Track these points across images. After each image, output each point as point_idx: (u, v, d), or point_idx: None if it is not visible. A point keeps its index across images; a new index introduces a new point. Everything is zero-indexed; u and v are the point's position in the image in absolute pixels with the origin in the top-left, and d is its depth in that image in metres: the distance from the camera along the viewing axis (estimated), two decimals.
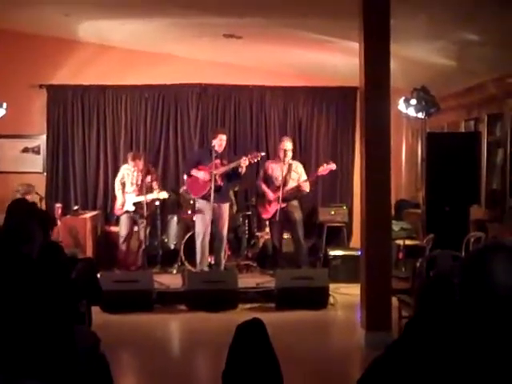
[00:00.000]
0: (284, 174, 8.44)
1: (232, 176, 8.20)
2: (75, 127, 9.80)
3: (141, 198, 8.38)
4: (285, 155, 8.42)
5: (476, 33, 6.89)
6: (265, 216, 8.64)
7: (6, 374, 1.89)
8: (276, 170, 8.50)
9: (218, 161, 8.03)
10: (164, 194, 8.61)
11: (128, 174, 8.71)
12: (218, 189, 7.99)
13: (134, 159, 8.62)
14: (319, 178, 8.91)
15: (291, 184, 8.47)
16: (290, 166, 8.53)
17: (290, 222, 8.48)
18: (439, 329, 1.76)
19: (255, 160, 8.19)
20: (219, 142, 8.13)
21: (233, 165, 8.07)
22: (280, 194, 8.29)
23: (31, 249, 3.04)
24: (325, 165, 8.55)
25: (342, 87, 9.88)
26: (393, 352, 1.89)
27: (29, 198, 7.71)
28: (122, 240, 8.60)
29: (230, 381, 2.45)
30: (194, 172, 8.17)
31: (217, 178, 7.99)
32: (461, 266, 1.78)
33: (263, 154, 8.47)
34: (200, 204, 8.19)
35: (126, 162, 8.98)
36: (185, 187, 8.64)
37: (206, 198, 8.05)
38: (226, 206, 8.22)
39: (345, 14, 6.39)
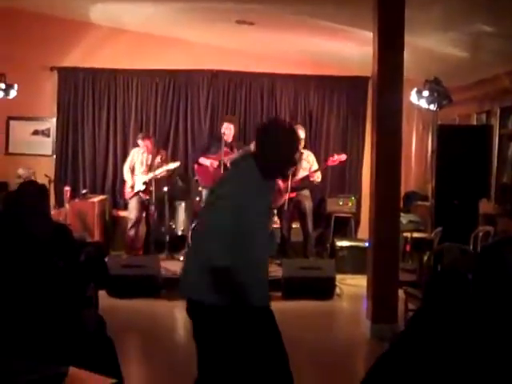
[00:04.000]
0: None
1: None
2: (85, 110, 9.80)
3: (151, 175, 8.40)
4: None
5: (490, 24, 6.83)
6: (273, 205, 8.62)
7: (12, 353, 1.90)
8: None
9: (226, 149, 7.99)
10: (174, 164, 8.57)
11: (138, 156, 8.70)
12: None
13: (143, 139, 8.61)
14: (328, 167, 8.86)
15: (302, 173, 8.43)
16: (301, 154, 8.49)
17: (300, 212, 8.47)
18: (451, 322, 1.75)
19: None
20: (224, 131, 8.09)
21: (242, 151, 8.04)
22: (289, 183, 8.28)
23: (36, 224, 3.01)
24: (335, 155, 8.53)
25: (353, 77, 9.82)
26: (400, 346, 1.87)
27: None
28: (130, 225, 8.61)
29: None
30: (202, 160, 8.15)
31: (227, 165, 7.97)
32: (475, 260, 1.76)
33: None
34: (206, 193, 8.18)
35: (135, 145, 8.98)
36: (196, 177, 8.62)
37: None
38: None
39: (359, 3, 6.34)
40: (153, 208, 8.54)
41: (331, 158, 8.50)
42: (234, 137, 8.25)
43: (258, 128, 3.26)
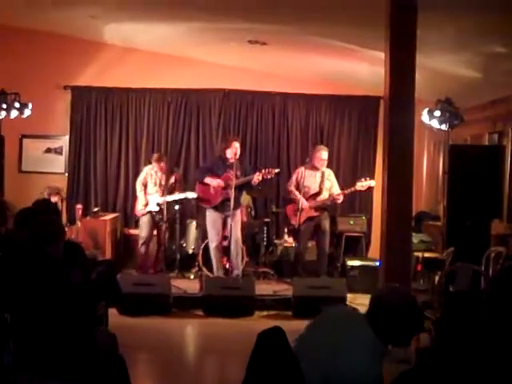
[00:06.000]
0: (318, 182, 8.44)
1: (244, 187, 8.21)
2: (98, 129, 9.85)
3: (166, 198, 8.42)
4: (322, 165, 8.43)
5: (502, 45, 6.84)
6: (294, 222, 8.57)
7: (29, 372, 1.90)
8: (309, 177, 8.44)
9: (231, 172, 7.99)
10: (193, 194, 8.58)
11: (151, 174, 8.73)
12: (227, 199, 7.98)
13: (158, 161, 8.65)
14: (356, 192, 8.80)
15: (325, 193, 8.44)
16: (322, 173, 8.50)
17: (319, 231, 8.47)
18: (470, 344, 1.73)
19: (269, 176, 8.16)
20: (234, 151, 8.09)
21: (245, 179, 8.07)
22: (310, 202, 8.31)
23: (56, 249, 3.06)
24: (362, 180, 8.46)
25: (364, 96, 9.84)
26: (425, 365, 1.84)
27: (52, 198, 7.76)
28: (141, 242, 8.62)
29: None
30: (209, 180, 8.14)
31: (229, 189, 7.97)
32: (490, 281, 1.75)
33: (277, 170, 8.44)
34: (210, 213, 8.19)
35: (148, 163, 9.02)
36: (195, 195, 8.62)
37: (216, 207, 8.06)
38: (237, 213, 8.19)
39: (371, 23, 6.37)
40: (164, 226, 8.56)
41: (359, 184, 8.40)
42: (239, 157, 8.26)
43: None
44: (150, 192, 8.68)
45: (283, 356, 2.40)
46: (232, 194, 7.86)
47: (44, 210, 3.36)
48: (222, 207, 8.05)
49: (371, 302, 2.72)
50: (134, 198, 9.03)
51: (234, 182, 7.90)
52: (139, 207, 8.74)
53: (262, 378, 2.37)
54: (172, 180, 8.60)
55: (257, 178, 7.97)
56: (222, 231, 8.14)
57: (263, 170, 8.12)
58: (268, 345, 2.45)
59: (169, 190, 8.53)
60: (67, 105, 9.81)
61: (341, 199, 8.53)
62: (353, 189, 8.50)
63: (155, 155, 8.84)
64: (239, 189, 8.16)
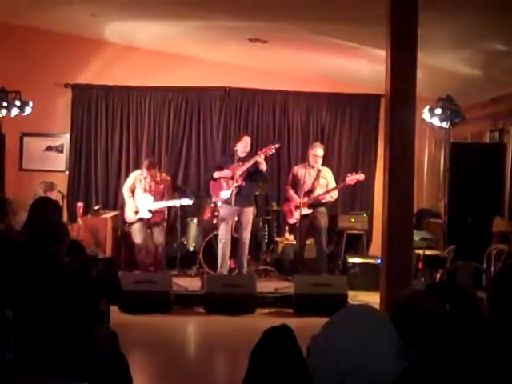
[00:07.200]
0: (312, 180, 8.44)
1: (253, 175, 8.19)
2: (99, 127, 9.85)
3: (157, 205, 8.38)
4: (315, 161, 8.43)
5: (503, 43, 6.84)
6: (290, 220, 8.62)
7: (30, 369, 1.91)
8: (306, 175, 8.46)
9: (238, 163, 8.03)
10: (187, 201, 8.57)
11: (140, 180, 8.63)
12: (239, 189, 7.98)
13: (148, 168, 8.53)
14: (346, 187, 8.84)
15: (319, 190, 8.45)
16: (318, 171, 8.50)
17: (315, 229, 8.46)
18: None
19: (270, 152, 8.18)
20: (244, 144, 8.14)
21: (250, 162, 8.07)
22: (303, 199, 8.30)
23: (59, 250, 3.06)
24: (353, 174, 8.53)
25: (365, 94, 9.84)
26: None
27: (50, 195, 7.74)
28: (137, 249, 8.49)
29: None
30: (217, 174, 8.19)
31: (237, 178, 7.98)
32: (492, 279, 1.75)
33: (278, 145, 8.46)
34: (223, 209, 8.18)
35: (138, 167, 8.98)
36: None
37: (228, 202, 8.03)
38: (248, 210, 8.18)
39: (372, 21, 6.37)
40: (158, 229, 8.51)
41: (349, 178, 8.48)
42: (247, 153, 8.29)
43: None
44: (139, 197, 8.55)
45: (293, 357, 2.35)
46: (234, 183, 7.87)
47: (44, 210, 3.37)
48: (234, 199, 7.97)
49: (397, 304, 2.62)
50: (124, 202, 8.92)
51: (238, 171, 7.94)
52: (129, 214, 8.60)
53: (267, 378, 2.34)
54: (161, 187, 8.54)
55: (259, 157, 7.98)
56: (232, 228, 8.12)
57: (263, 149, 8.15)
58: (276, 344, 2.42)
59: (159, 195, 8.46)
60: (68, 103, 9.81)
61: (331, 197, 8.53)
62: (342, 184, 8.57)
63: (146, 162, 8.69)
64: (250, 179, 8.15)
